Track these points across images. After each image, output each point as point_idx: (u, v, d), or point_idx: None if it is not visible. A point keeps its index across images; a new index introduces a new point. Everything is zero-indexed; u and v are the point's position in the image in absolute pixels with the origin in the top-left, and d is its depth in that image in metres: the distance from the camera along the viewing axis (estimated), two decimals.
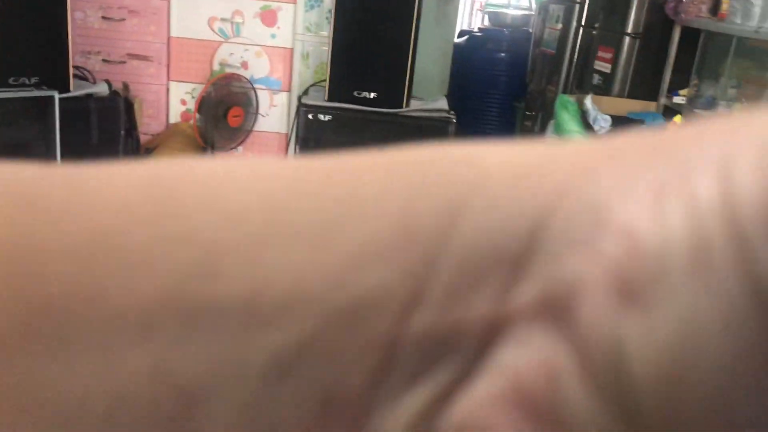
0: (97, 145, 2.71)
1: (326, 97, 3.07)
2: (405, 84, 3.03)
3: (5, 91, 2.36)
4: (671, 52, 3.07)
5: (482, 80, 5.07)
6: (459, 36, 5.46)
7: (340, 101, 3.03)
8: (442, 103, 3.18)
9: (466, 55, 5.13)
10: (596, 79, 3.39)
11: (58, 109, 2.43)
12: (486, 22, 5.61)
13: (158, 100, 4.10)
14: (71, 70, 2.63)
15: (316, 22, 3.94)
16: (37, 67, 2.50)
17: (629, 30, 3.20)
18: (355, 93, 3.03)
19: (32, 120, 2.44)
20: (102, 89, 2.75)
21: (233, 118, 3.85)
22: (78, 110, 2.61)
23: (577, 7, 3.76)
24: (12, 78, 2.44)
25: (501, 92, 5.01)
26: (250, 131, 4.03)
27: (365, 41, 2.98)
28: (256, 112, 4.03)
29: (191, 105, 4.00)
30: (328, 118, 3.02)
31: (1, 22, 2.39)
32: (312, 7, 3.94)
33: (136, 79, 4.02)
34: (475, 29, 5.60)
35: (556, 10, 4.11)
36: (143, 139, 4.02)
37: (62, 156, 2.47)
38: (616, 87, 3.24)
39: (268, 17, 4.00)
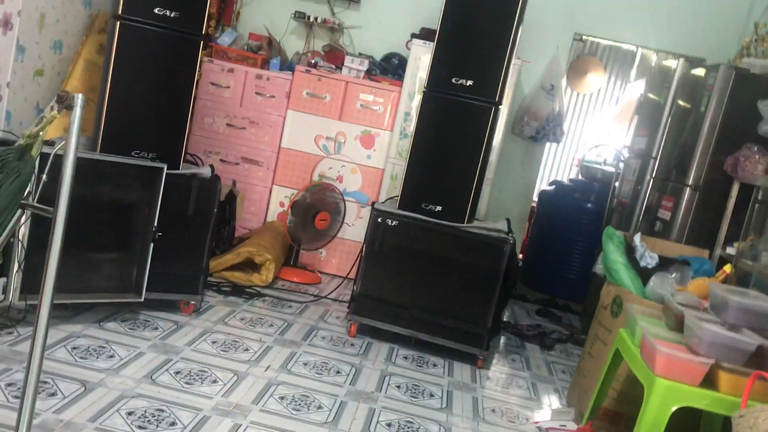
0: (191, 218, 3.15)
1: (397, 206, 3.40)
2: (468, 202, 3.32)
3: (126, 158, 2.88)
4: (729, 205, 3.18)
5: (568, 227, 5.26)
6: (551, 185, 5.76)
7: (408, 210, 3.35)
8: (502, 225, 3.42)
9: (553, 202, 5.39)
10: (658, 225, 3.53)
11: (164, 181, 2.90)
12: (578, 176, 5.87)
13: (261, 200, 4.62)
14: (182, 153, 3.14)
15: (407, 149, 4.39)
16: (156, 146, 3.01)
17: (690, 182, 3.35)
18: (423, 205, 3.35)
19: (142, 186, 2.94)
20: (206, 171, 3.24)
21: (320, 221, 4.26)
22: (181, 185, 3.09)
23: (651, 161, 3.97)
24: (134, 151, 2.96)
25: (584, 238, 5.16)
26: (334, 236, 4.42)
27: (437, 162, 3.33)
28: (343, 221, 4.42)
29: (290, 211, 4.46)
30: (395, 223, 3.34)
31: (135, 107, 2.95)
32: (405, 135, 4.40)
33: (246, 180, 4.59)
34: (566, 180, 5.86)
35: (634, 164, 4.34)
36: (241, 232, 4.51)
37: (159, 221, 2.91)
38: (675, 233, 3.36)
39: (367, 140, 4.50)
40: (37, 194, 1.79)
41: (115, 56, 2.90)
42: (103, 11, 3.89)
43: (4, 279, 2.59)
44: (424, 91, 3.37)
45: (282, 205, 4.57)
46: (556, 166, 6.86)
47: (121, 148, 2.95)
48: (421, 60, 4.34)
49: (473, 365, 3.36)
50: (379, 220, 3.37)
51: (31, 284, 2.62)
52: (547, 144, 5.12)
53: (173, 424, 2.22)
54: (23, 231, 2.57)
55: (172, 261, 3.12)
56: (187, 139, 3.29)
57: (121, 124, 2.98)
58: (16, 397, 2.18)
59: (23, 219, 1.75)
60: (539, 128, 4.75)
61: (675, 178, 3.64)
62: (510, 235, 3.33)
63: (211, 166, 3.35)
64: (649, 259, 2.97)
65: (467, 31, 3.26)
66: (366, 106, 4.46)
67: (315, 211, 4.25)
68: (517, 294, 5.11)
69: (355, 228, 4.53)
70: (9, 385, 2.25)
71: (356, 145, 4.50)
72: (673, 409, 2.10)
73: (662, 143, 3.91)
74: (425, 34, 4.41)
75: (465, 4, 3.26)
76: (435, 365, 3.29)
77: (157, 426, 2.19)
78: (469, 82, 3.27)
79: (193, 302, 3.27)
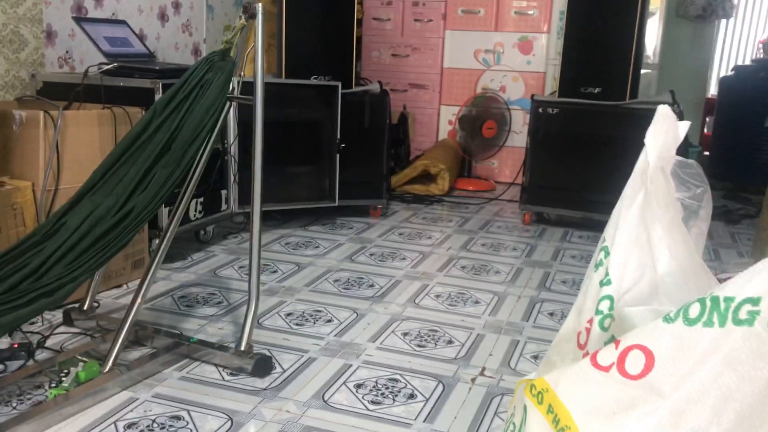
0: (368, 130, 3.54)
1: (557, 94, 3.53)
2: (628, 79, 3.36)
3: (307, 82, 3.32)
4: None
5: (754, 109, 5.00)
6: (732, 71, 5.46)
7: (568, 96, 3.47)
8: (666, 97, 3.42)
9: (736, 88, 5.13)
10: None
11: (341, 98, 3.30)
12: (762, 55, 5.50)
13: (431, 121, 4.93)
14: (353, 74, 3.52)
15: None
16: (331, 70, 3.42)
17: None
18: (582, 89, 3.44)
19: (323, 104, 3.36)
20: (375, 88, 3.59)
21: (487, 130, 4.48)
22: (356, 101, 3.47)
23: None
24: (313, 76, 3.39)
25: None
26: (502, 145, 4.62)
27: (592, 44, 3.40)
28: (509, 129, 4.60)
29: (457, 125, 4.72)
30: (555, 111, 3.48)
31: (307, 39, 3.37)
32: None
33: (416, 104, 4.91)
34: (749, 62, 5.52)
35: None
36: (416, 153, 4.85)
37: (342, 134, 3.32)
38: None
39: (525, 47, 4.62)
40: (238, 90, 2.21)
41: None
42: None
43: (225, 191, 3.13)
44: None
45: (450, 123, 4.84)
46: (734, 50, 6.43)
47: (302, 74, 3.39)
48: None
49: None
50: (540, 110, 3.53)
51: (246, 196, 3.15)
52: (722, 26, 4.88)
53: (371, 285, 2.62)
54: (234, 148, 3.09)
55: (357, 169, 3.53)
56: (356, 63, 3.65)
57: (299, 54, 3.41)
58: (246, 274, 2.69)
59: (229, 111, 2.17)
60: (705, 5, 4.56)
61: None
62: (676, 106, 3.33)
63: (380, 82, 3.70)
64: None
65: None
66: (520, 12, 4.57)
67: (481, 121, 4.48)
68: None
69: (522, 135, 4.68)
70: (241, 267, 2.78)
71: (515, 52, 4.64)
72: None
73: None
74: None
75: None
76: None
77: (359, 288, 2.59)
78: None
79: (380, 206, 3.67)
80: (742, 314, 0.65)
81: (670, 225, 0.84)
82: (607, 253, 0.86)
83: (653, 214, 0.84)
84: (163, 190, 1.94)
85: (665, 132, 0.85)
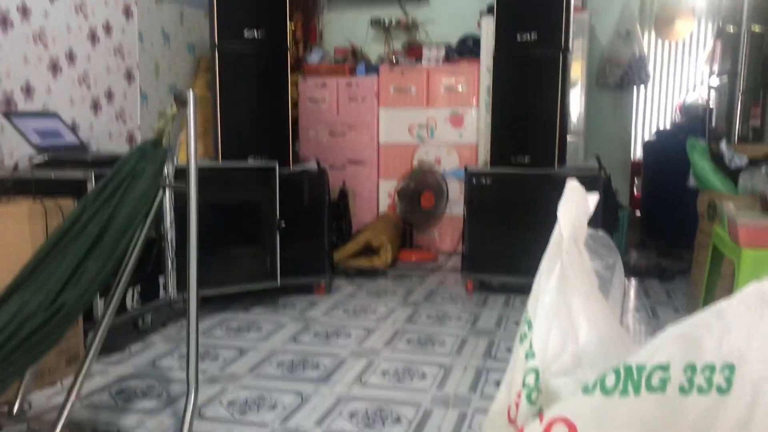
0: (308, 207, 3.56)
1: (489, 165, 3.65)
2: (555, 147, 3.50)
3: (244, 163, 3.35)
4: None
5: (678, 168, 5.23)
6: (653, 135, 5.75)
7: (499, 166, 3.58)
8: (593, 163, 3.56)
9: (658, 149, 5.40)
10: (751, 135, 3.54)
11: (279, 177, 3.33)
12: (677, 119, 5.82)
13: (371, 195, 4.99)
14: (291, 154, 3.56)
15: None
16: (268, 150, 3.46)
17: None
18: (512, 159, 3.57)
19: (261, 185, 3.37)
20: (313, 166, 3.64)
21: (425, 200, 4.56)
22: (294, 181, 3.50)
23: (738, 79, 3.97)
24: (251, 156, 3.42)
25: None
26: (442, 213, 4.70)
27: (518, 115, 3.54)
28: (447, 199, 4.70)
29: (397, 198, 4.79)
30: (489, 180, 3.58)
31: (242, 119, 3.41)
32: None
33: (355, 179, 4.98)
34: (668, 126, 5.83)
35: (723, 87, 4.33)
36: (357, 227, 4.89)
37: (281, 213, 3.33)
38: (767, 137, 3.37)
39: (456, 120, 4.77)
40: (172, 177, 2.21)
41: (219, 79, 3.38)
42: (206, 54, 4.45)
43: (162, 277, 3.08)
44: (493, 55, 3.61)
45: (390, 196, 4.91)
46: (654, 114, 6.79)
47: (238, 156, 3.41)
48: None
49: None
50: (474, 180, 3.62)
51: (185, 281, 3.10)
52: (640, 93, 5.16)
53: (317, 366, 2.58)
54: (171, 234, 3.06)
55: (299, 247, 3.52)
56: (293, 141, 3.70)
57: (235, 136, 3.44)
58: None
59: (166, 197, 2.17)
60: (623, 74, 4.83)
61: (760, 85, 3.65)
62: (602, 170, 3.47)
63: (317, 160, 3.75)
64: (739, 161, 3.03)
65: None
66: (450, 88, 4.75)
67: (420, 193, 4.56)
68: (637, 242, 5.16)
69: (460, 204, 4.76)
70: (181, 356, 2.71)
71: (447, 126, 4.78)
72: (764, 276, 2.19)
73: (746, 55, 3.92)
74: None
75: None
76: None
77: (304, 370, 2.55)
78: (533, 36, 3.48)
79: (323, 282, 3.66)
80: (654, 381, 0.68)
81: (588, 295, 0.88)
82: (530, 326, 0.89)
83: (570, 285, 0.87)
84: (95, 284, 1.90)
85: (576, 205, 0.90)
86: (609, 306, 0.91)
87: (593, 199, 0.93)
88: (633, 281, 4.02)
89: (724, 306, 0.69)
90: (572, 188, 0.91)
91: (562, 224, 0.89)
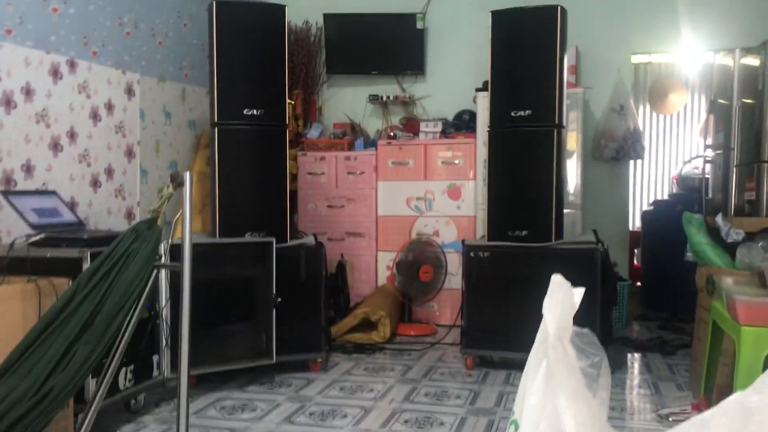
0: (305, 282, 3.55)
1: (487, 238, 3.65)
2: (552, 221, 3.51)
3: (240, 239, 3.35)
4: None
5: (677, 239, 5.23)
6: (650, 205, 5.80)
7: (496, 240, 3.59)
8: (590, 237, 3.57)
9: (656, 219, 5.43)
10: (747, 208, 3.55)
11: (276, 253, 3.33)
12: (674, 190, 5.87)
13: (369, 268, 4.98)
14: (287, 227, 3.57)
15: None
16: (266, 225, 3.47)
17: (765, 158, 3.40)
18: (509, 233, 3.57)
19: (257, 260, 3.37)
20: (310, 241, 3.65)
21: (424, 274, 4.55)
22: (291, 255, 3.50)
23: (732, 152, 4.02)
24: (248, 232, 3.43)
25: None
26: (440, 288, 4.67)
27: (515, 189, 3.56)
28: (446, 272, 4.68)
29: (395, 271, 4.77)
30: (486, 254, 3.58)
31: (241, 195, 3.44)
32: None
33: (353, 252, 4.98)
34: (665, 197, 5.87)
35: (718, 160, 4.38)
36: (355, 300, 4.86)
37: (277, 289, 3.32)
38: (763, 210, 3.38)
39: (454, 193, 4.81)
40: (167, 256, 2.21)
41: (218, 157, 3.42)
42: (206, 130, 4.52)
43: (156, 357, 3.04)
44: (488, 130, 3.67)
45: (389, 268, 4.90)
46: (651, 185, 6.85)
47: (236, 231, 3.42)
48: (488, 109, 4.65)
49: None
50: (472, 254, 3.62)
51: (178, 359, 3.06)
52: (636, 165, 5.21)
53: None
54: (165, 312, 3.04)
55: (295, 323, 3.49)
56: (291, 216, 3.72)
57: (233, 213, 3.46)
58: None
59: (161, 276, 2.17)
60: (618, 148, 4.88)
61: (754, 158, 3.69)
62: (600, 244, 3.47)
63: (314, 235, 3.76)
64: (735, 235, 3.04)
65: (515, 67, 3.57)
66: (447, 161, 4.80)
67: (418, 265, 4.55)
68: (638, 315, 5.11)
69: (458, 277, 4.75)
70: None
71: (445, 198, 4.82)
72: (765, 354, 2.17)
73: (738, 130, 3.98)
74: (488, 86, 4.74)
75: (508, 44, 3.58)
76: None
77: None
78: (527, 112, 3.54)
79: (319, 359, 3.61)
80: None
81: (574, 393, 0.86)
82: (517, 427, 0.87)
83: (557, 383, 0.86)
84: (84, 367, 1.88)
85: (561, 301, 0.89)
86: (596, 405, 0.89)
87: (579, 293, 0.93)
88: (636, 356, 3.96)
89: (707, 416, 0.67)
90: (557, 283, 0.90)
91: (547, 321, 0.88)
